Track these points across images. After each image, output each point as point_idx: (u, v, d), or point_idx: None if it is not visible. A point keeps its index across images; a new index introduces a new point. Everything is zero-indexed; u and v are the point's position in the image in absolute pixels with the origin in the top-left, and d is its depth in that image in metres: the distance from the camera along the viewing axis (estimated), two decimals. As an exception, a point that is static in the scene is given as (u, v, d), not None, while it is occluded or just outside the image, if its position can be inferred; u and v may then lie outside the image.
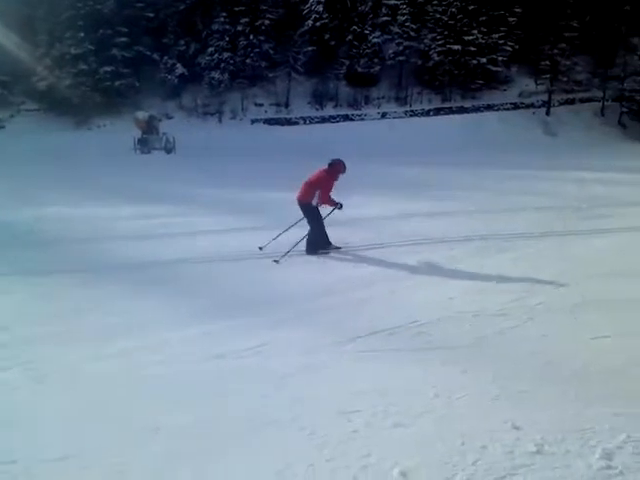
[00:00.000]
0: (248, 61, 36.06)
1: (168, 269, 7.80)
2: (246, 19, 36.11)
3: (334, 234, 9.87)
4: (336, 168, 8.47)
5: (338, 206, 8.68)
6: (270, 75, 36.88)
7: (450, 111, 37.62)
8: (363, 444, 3.46)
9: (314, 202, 8.46)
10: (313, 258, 8.36)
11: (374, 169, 21.04)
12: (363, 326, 5.47)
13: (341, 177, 8.64)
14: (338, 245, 8.86)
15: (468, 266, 7.79)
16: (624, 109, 36.71)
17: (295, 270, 7.74)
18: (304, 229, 8.72)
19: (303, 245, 8.59)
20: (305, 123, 35.96)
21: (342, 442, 3.50)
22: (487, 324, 5.52)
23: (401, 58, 36.86)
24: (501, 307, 6.00)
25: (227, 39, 36.00)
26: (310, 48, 36.53)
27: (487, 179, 17.42)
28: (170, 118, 35.08)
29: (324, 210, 8.79)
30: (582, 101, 38.42)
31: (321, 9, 36.55)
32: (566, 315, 5.76)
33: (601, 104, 37.61)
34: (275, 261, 8.08)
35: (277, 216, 11.66)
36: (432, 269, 7.68)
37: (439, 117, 37.15)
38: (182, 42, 36.44)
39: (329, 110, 37.14)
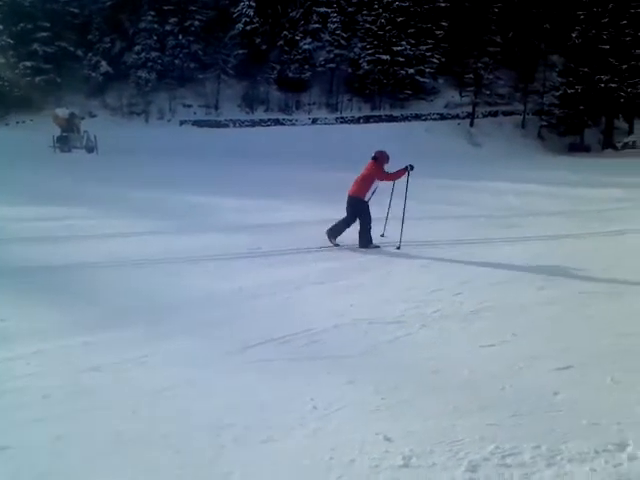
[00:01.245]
0: (177, 61, 35.42)
1: (61, 274, 7.39)
2: (175, 19, 35.50)
3: (246, 239, 9.71)
4: (381, 158, 9.23)
5: (409, 168, 9.18)
6: (199, 76, 36.37)
7: (379, 119, 38.24)
8: (228, 461, 3.30)
9: (367, 197, 9.10)
10: (212, 265, 8.13)
11: (302, 174, 21.03)
12: (255, 335, 5.31)
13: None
14: (377, 244, 9.26)
15: (374, 273, 7.80)
16: (543, 122, 38.33)
17: (198, 277, 7.51)
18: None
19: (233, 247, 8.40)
20: (235, 126, 35.64)
21: (207, 459, 3.33)
22: (381, 332, 5.48)
23: (332, 65, 37.18)
24: (398, 315, 5.99)
25: (155, 38, 35.25)
26: (241, 51, 36.29)
27: (412, 187, 17.56)
28: (93, 116, 33.96)
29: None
30: (504, 114, 39.88)
31: (252, 13, 36.38)
32: (459, 323, 5.81)
33: (522, 117, 39.13)
34: (397, 248, 8.89)
35: (198, 221, 11.44)
36: (338, 276, 7.63)
37: (369, 125, 37.68)
38: (107, 39, 35.40)
39: (260, 114, 36.96)
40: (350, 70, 37.97)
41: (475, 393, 4.26)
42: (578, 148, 36.76)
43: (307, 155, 28.45)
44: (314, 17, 37.06)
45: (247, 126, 35.61)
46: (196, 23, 35.84)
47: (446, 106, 39.68)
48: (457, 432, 3.64)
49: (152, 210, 12.74)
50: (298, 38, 36.52)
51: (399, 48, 36.84)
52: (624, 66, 35.07)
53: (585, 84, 35.38)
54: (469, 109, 38.69)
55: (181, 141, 31.60)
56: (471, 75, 37.92)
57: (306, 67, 36.80)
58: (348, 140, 34.07)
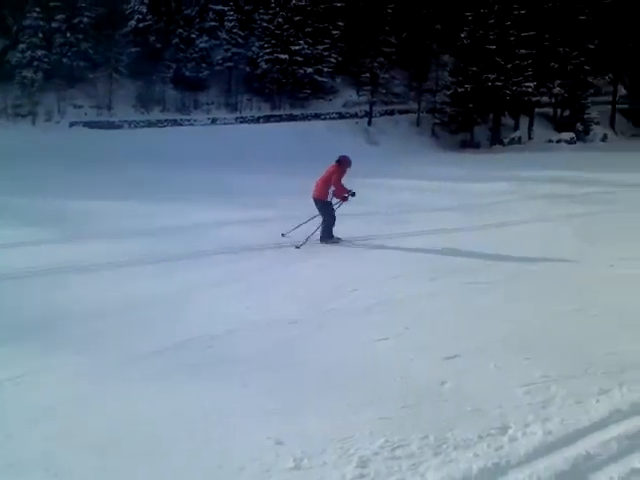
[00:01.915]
0: (65, 60, 33.61)
1: None
2: (62, 16, 33.68)
3: (142, 244, 9.40)
4: (344, 163, 9.57)
5: (351, 193, 9.56)
6: (90, 76, 34.74)
7: (280, 119, 38.21)
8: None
9: (329, 197, 9.51)
10: (105, 274, 7.79)
11: (202, 175, 20.62)
12: (148, 344, 5.13)
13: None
14: (339, 237, 9.63)
15: (272, 274, 7.77)
16: (436, 120, 39.81)
17: (88, 286, 7.16)
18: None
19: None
20: (130, 127, 34.37)
21: (89, 480, 3.16)
22: (277, 333, 5.46)
23: (229, 64, 36.71)
24: (296, 315, 5.99)
25: (41, 36, 33.29)
26: (134, 49, 35.01)
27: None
28: (-27, 119, 31.62)
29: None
30: (400, 112, 41.04)
31: (145, 10, 35.25)
32: (355, 319, 5.90)
33: (417, 115, 40.43)
34: (297, 247, 9.07)
35: (90, 228, 10.91)
36: (236, 278, 7.53)
37: (269, 124, 37.55)
38: (-13, 37, 33.09)
39: (156, 114, 35.85)
40: (249, 69, 37.65)
41: (369, 388, 4.33)
42: (469, 144, 38.53)
43: (207, 156, 27.94)
44: (210, 15, 36.41)
45: (143, 127, 34.44)
46: (85, 20, 34.17)
47: (345, 105, 40.31)
48: (349, 428, 3.68)
49: (40, 218, 11.97)
50: (194, 36, 35.73)
51: (297, 47, 36.97)
52: (509, 65, 37.11)
53: (474, 83, 37.10)
54: (367, 108, 39.50)
55: (71, 143, 30.04)
56: (367, 74, 38.73)
57: (203, 66, 36.08)
58: (249, 140, 33.77)
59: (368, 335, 5.41)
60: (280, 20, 36.88)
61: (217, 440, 3.51)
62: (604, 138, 40.81)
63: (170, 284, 7.20)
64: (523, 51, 37.48)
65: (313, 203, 9.71)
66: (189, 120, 35.92)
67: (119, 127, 33.89)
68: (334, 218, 9.61)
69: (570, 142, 38.27)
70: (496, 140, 39.07)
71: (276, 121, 37.83)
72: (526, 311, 6.07)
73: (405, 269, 7.95)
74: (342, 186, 9.54)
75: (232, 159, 27.67)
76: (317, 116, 39.01)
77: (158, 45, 35.82)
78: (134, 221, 11.53)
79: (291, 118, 38.26)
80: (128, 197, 14.56)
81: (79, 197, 14.49)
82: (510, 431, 3.67)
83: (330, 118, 39.09)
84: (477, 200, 14.81)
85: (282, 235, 9.92)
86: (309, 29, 37.76)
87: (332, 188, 9.54)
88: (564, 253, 8.79)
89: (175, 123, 35.38)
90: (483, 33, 37.37)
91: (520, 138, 39.32)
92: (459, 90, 37.87)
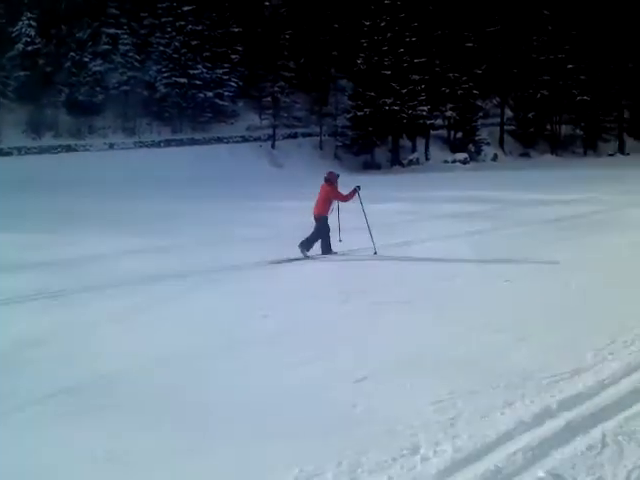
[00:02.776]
0: (-55, 84, 31.51)
1: None
2: (-60, 36, 31.61)
3: (28, 278, 8.85)
4: (332, 179, 10.56)
5: (356, 189, 10.48)
6: (-26, 100, 32.70)
7: (181, 143, 37.58)
8: None
9: (328, 213, 10.36)
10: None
11: (98, 203, 19.79)
12: (38, 389, 4.75)
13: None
14: (336, 251, 10.46)
15: (173, 306, 7.46)
16: (338, 143, 40.69)
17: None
18: None
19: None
20: (20, 154, 32.54)
21: None
22: (182, 367, 5.24)
23: (126, 88, 35.77)
24: (201, 346, 5.79)
25: None
26: (22, 73, 33.34)
27: (220, 213, 17.34)
28: None
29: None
30: (303, 135, 41.60)
31: (33, 33, 33.72)
32: (265, 346, 5.78)
33: (319, 138, 41.13)
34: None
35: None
36: (136, 312, 7.20)
37: (170, 148, 36.82)
38: None
39: (48, 140, 34.18)
40: (147, 93, 36.83)
41: (279, 417, 4.24)
42: (370, 166, 39.63)
43: (105, 182, 26.92)
44: (103, 38, 35.40)
45: (34, 153, 32.68)
46: (-33, 42, 32.28)
47: (248, 128, 40.30)
48: (262, 461, 3.57)
49: None
50: (87, 60, 34.53)
51: (196, 71, 36.65)
52: (404, 90, 38.68)
53: (372, 107, 38.33)
54: (270, 131, 39.71)
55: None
56: (269, 98, 39.01)
57: (98, 90, 34.87)
58: (149, 165, 32.84)
59: (279, 362, 5.32)
60: (177, 44, 36.47)
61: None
62: (495, 158, 43.34)
63: (62, 320, 6.77)
64: (416, 77, 39.21)
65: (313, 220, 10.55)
66: (84, 145, 34.53)
67: (8, 154, 31.98)
68: (328, 232, 10.43)
69: (464, 162, 40.29)
70: (396, 161, 40.43)
71: (177, 145, 37.16)
72: (431, 328, 6.22)
73: (314, 292, 7.96)
74: (344, 195, 10.51)
75: (131, 184, 26.83)
76: (219, 140, 38.71)
77: (48, 69, 34.36)
78: (25, 253, 10.82)
79: (193, 142, 37.73)
80: (9, 229, 13.56)
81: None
82: (422, 450, 3.69)
83: (233, 142, 38.91)
84: (382, 220, 15.06)
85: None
86: (207, 53, 37.62)
87: (332, 206, 10.46)
88: (464, 270, 9.14)
89: (69, 149, 33.88)
90: (378, 59, 38.75)
91: (418, 159, 40.92)
92: (358, 114, 38.96)
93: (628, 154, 49.12)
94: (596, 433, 3.86)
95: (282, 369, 5.15)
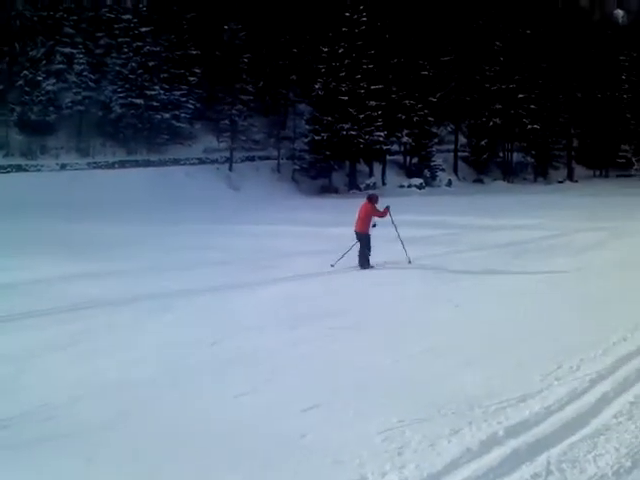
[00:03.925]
0: None
1: None
2: None
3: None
4: (374, 199, 12.03)
5: (389, 208, 12.00)
6: None
7: (136, 164, 37.01)
8: None
9: (369, 231, 11.57)
10: None
11: (49, 226, 19.22)
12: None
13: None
14: (373, 265, 11.63)
15: (120, 334, 7.26)
16: (296, 167, 40.81)
17: None
18: None
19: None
20: (-33, 174, 31.51)
21: None
22: (128, 396, 5.09)
23: (80, 108, 35.14)
24: (148, 375, 5.64)
25: None
26: (-29, 90, 32.52)
27: (173, 235, 17.03)
28: None
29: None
30: (261, 159, 41.56)
31: (-16, 50, 32.98)
32: (213, 375, 5.67)
33: (277, 162, 41.18)
34: (331, 265, 11.43)
35: None
36: (83, 339, 6.97)
37: (125, 170, 36.21)
38: None
39: (-1, 159, 33.23)
40: (101, 113, 36.29)
41: (229, 448, 4.15)
42: (328, 190, 39.82)
43: (56, 203, 26.22)
44: (58, 57, 34.82)
45: (-17, 172, 31.73)
46: None
47: (205, 151, 40.04)
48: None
49: None
50: (40, 78, 33.87)
51: (153, 92, 36.33)
52: (361, 115, 39.15)
53: (330, 131, 38.64)
54: (227, 154, 39.54)
55: None
56: (227, 121, 38.92)
57: (51, 109, 34.16)
58: (103, 186, 32.19)
59: (227, 391, 5.21)
60: (134, 65, 36.14)
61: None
62: (449, 183, 44.18)
63: (4, 347, 6.51)
64: (373, 103, 39.77)
65: (355, 235, 11.74)
66: (35, 165, 33.67)
67: (-46, 173, 30.93)
68: (370, 249, 11.62)
69: (420, 187, 40.94)
70: (353, 185, 40.75)
71: (132, 166, 36.58)
72: (382, 352, 6.21)
73: (265, 318, 7.87)
74: (381, 212, 11.83)
75: (84, 206, 26.23)
76: (176, 161, 38.29)
77: (0, 87, 33.56)
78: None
79: (148, 163, 37.21)
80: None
81: None
82: (368, 482, 3.65)
83: (190, 164, 38.56)
84: (333, 244, 15.10)
85: (331, 266, 11.41)
86: (165, 75, 37.39)
87: (372, 222, 11.64)
88: (416, 294, 9.21)
89: (20, 169, 32.90)
90: (336, 85, 39.20)
91: (375, 184, 41.34)
92: (316, 138, 39.20)
93: (577, 181, 50.81)
94: (542, 460, 3.89)
95: (232, 398, 5.05)
